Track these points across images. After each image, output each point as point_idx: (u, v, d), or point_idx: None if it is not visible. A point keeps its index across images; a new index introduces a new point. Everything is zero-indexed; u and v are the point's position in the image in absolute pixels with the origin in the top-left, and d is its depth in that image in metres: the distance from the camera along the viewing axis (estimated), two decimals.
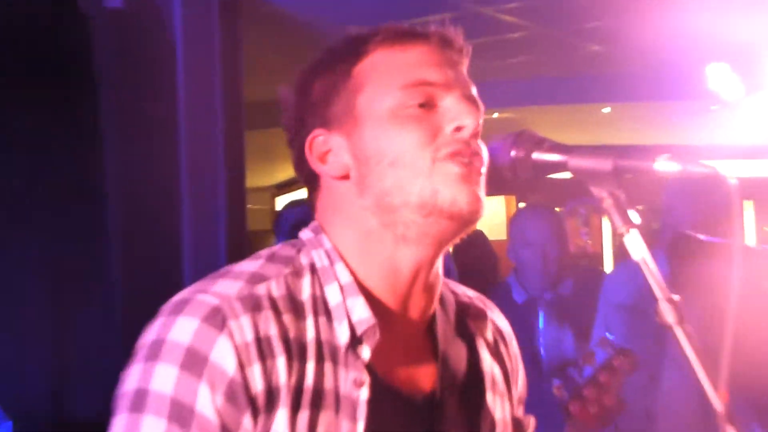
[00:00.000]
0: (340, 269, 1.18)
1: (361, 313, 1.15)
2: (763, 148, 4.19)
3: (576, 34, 6.24)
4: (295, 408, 1.10)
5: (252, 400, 1.08)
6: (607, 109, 8.94)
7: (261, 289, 1.13)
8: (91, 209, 4.03)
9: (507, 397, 1.35)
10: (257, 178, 9.92)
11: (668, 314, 1.05)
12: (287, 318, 1.12)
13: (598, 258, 10.95)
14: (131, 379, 1.10)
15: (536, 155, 1.16)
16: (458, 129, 1.18)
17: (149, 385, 1.08)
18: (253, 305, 1.11)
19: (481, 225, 1.24)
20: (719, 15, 4.96)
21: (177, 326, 1.09)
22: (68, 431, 3.55)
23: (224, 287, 1.13)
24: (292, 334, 1.12)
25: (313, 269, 1.18)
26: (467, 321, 1.33)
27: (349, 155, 1.20)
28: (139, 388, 1.09)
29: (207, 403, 1.07)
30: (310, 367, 1.12)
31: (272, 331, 1.10)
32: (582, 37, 6.33)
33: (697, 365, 1.04)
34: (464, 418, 1.26)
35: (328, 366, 1.13)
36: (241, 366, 1.07)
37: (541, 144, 1.17)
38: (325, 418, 1.12)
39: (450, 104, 1.19)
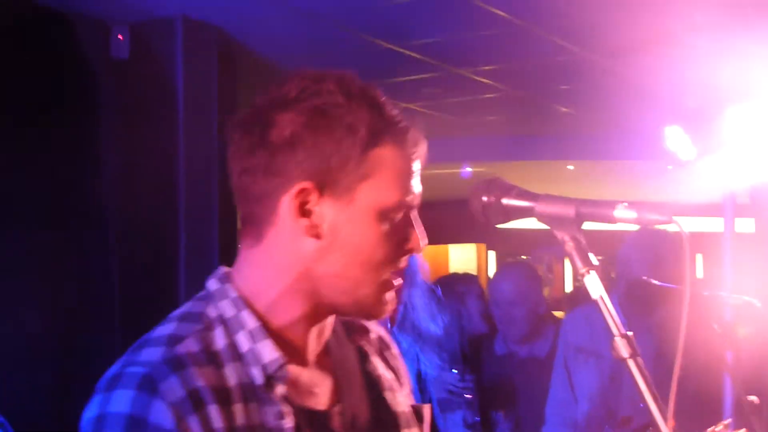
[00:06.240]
0: (246, 317, 1.26)
1: (270, 354, 1.24)
2: (711, 206, 4.53)
3: (546, 95, 6.39)
4: None
5: None
6: (571, 167, 9.09)
7: (180, 349, 1.20)
8: (94, 227, 4.26)
9: (401, 393, 1.45)
10: None
11: (622, 349, 1.11)
12: (209, 370, 1.20)
13: (558, 303, 11.28)
14: None
15: (506, 201, 1.22)
16: (412, 251, 1.28)
17: None
18: (178, 364, 1.18)
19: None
20: (678, 79, 5.11)
21: (114, 399, 1.16)
22: None
23: (149, 355, 1.20)
24: (216, 382, 1.20)
25: (222, 320, 1.26)
26: (353, 336, 1.43)
27: (330, 227, 1.23)
28: None
29: None
30: (239, 408, 1.21)
31: (199, 383, 1.18)
32: (552, 99, 6.48)
33: (648, 395, 1.10)
34: (372, 416, 1.36)
35: (252, 405, 1.22)
36: (179, 420, 1.15)
37: (510, 191, 1.22)
38: None
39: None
